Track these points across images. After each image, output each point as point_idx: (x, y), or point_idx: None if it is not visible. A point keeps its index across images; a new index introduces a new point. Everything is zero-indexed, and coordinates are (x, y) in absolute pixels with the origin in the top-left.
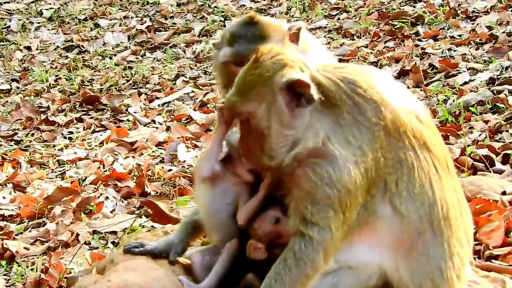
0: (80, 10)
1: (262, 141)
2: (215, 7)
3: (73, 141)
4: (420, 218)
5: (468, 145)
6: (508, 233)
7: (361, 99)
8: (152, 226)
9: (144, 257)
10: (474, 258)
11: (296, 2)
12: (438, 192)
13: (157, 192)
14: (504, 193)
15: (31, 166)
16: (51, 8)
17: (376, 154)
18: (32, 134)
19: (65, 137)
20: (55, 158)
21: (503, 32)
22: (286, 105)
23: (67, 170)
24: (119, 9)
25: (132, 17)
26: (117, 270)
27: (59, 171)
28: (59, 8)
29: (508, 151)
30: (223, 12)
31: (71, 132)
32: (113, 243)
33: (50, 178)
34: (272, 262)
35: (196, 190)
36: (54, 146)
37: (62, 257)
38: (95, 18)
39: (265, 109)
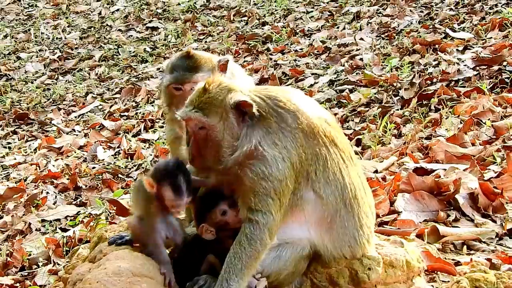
0: (4, 47)
1: (215, 149)
2: (110, 38)
3: (12, 150)
4: (335, 199)
5: None
6: (392, 203)
7: (283, 110)
8: (90, 213)
9: (125, 246)
10: None
11: (171, 31)
12: (346, 178)
13: (86, 186)
14: (376, 171)
15: None
16: None
17: (298, 151)
18: None
19: (4, 147)
20: None
21: (334, 45)
22: (235, 120)
23: (11, 173)
24: (35, 44)
25: (45, 50)
26: (110, 259)
27: (4, 174)
28: None
29: (359, 136)
30: (116, 41)
31: (9, 143)
32: (61, 228)
33: None
34: (221, 242)
35: None
36: None
37: (22, 243)
38: (16, 52)
39: (222, 124)
